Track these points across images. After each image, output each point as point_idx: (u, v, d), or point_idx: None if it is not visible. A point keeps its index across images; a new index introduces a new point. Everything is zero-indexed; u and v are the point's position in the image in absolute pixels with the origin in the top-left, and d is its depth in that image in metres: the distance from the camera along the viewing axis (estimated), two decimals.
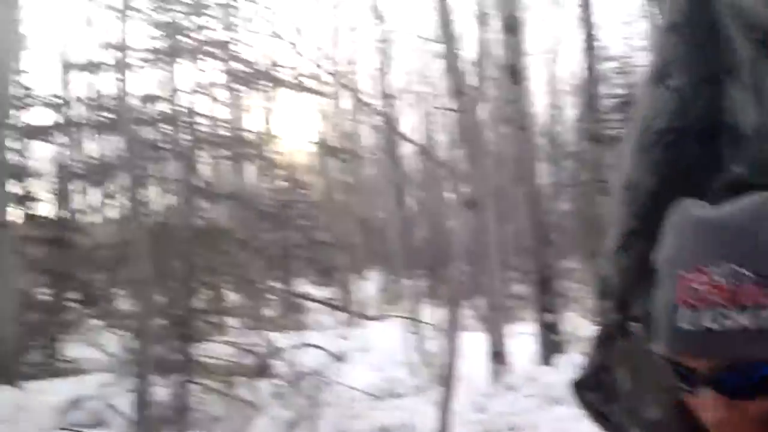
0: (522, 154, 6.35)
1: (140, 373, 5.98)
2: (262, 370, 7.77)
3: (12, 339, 7.25)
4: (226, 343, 7.92)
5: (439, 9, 6.24)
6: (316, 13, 24.57)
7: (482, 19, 7.36)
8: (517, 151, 6.37)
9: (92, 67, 12.55)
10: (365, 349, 9.88)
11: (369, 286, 16.29)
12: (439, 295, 13.17)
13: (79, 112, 14.23)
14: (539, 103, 21.89)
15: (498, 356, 6.24)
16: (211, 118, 9.55)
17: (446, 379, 5.11)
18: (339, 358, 9.31)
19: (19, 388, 7.07)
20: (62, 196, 10.72)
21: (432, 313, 9.71)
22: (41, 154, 13.02)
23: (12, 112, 8.43)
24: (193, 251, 7.14)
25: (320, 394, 7.01)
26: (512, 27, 6.46)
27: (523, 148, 6.37)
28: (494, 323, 6.35)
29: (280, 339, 9.48)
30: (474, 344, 6.77)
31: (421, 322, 8.81)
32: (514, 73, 6.38)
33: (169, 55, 8.91)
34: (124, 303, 11.02)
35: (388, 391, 7.61)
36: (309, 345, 9.17)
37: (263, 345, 8.16)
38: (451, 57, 6.25)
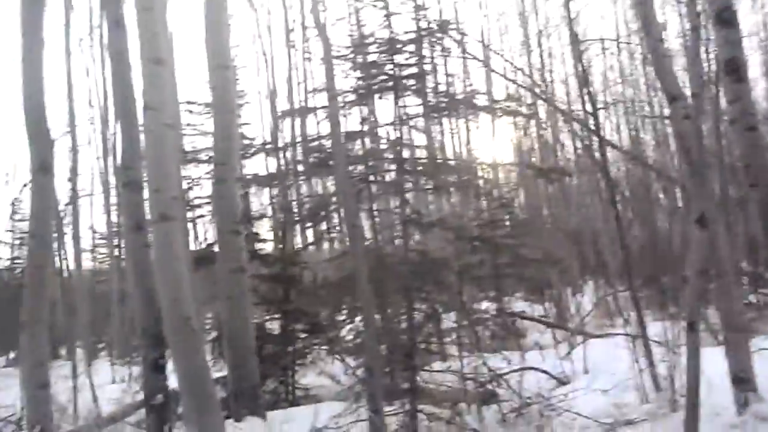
0: (751, 157, 5.77)
1: (372, 402, 6.19)
2: (487, 397, 7.73)
3: (254, 371, 7.85)
4: (448, 369, 8.00)
5: (640, 5, 5.89)
6: (506, 27, 24.35)
7: (691, 12, 6.83)
8: (746, 154, 5.79)
9: (303, 112, 13.56)
10: (588, 371, 9.48)
11: (584, 300, 15.69)
12: (664, 308, 12.38)
13: (293, 155, 15.33)
14: (759, 89, 20.01)
15: (743, 381, 5.67)
16: (415, 148, 9.82)
17: (689, 406, 4.72)
18: (562, 381, 9.04)
19: (263, 418, 7.62)
20: (284, 234, 11.48)
21: (658, 329, 9.10)
22: (263, 197, 14.21)
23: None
24: (411, 280, 7.32)
25: (547, 422, 6.83)
26: (728, 19, 5.94)
27: (753, 149, 5.79)
28: (736, 344, 5.79)
29: (500, 362, 9.41)
30: (711, 364, 6.23)
31: (648, 339, 8.26)
32: (734, 69, 5.84)
33: (372, 93, 9.30)
34: (348, 333, 11.58)
35: (619, 417, 7.20)
36: (530, 368, 9.01)
37: (484, 370, 8.13)
38: (659, 59, 5.85)
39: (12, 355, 18.67)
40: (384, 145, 9.87)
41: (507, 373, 8.35)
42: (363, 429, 6.86)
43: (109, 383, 13.55)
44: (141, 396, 9.57)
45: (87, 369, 11.85)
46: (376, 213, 9.62)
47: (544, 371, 9.25)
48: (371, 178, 9.58)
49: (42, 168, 6.35)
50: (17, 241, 21.76)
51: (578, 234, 18.09)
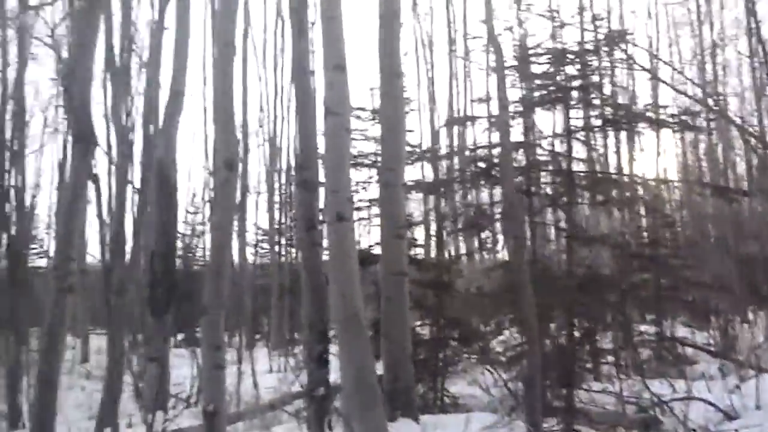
0: None
1: (530, 416, 6.13)
2: (648, 423, 7.40)
3: (409, 373, 8.00)
4: (606, 391, 7.74)
5: None
6: (676, 37, 23.22)
7: None
8: None
9: (465, 121, 13.68)
10: (761, 407, 8.80)
11: (756, 331, 14.56)
12: None
13: (450, 163, 15.43)
14: None
15: None
16: (582, 161, 9.59)
17: None
18: (730, 415, 8.45)
19: (416, 420, 7.73)
20: (440, 242, 11.61)
21: None
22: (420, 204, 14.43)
23: None
24: (574, 296, 7.17)
25: None
26: None
27: None
28: None
29: (661, 388, 8.95)
30: None
31: None
32: None
33: (539, 104, 9.20)
34: (498, 345, 11.50)
35: None
36: (695, 398, 8.50)
37: (646, 395, 7.79)
38: None
39: (180, 336, 20.11)
40: (545, 156, 9.73)
41: (670, 401, 7.94)
42: None
43: (266, 371, 14.27)
44: (297, 386, 10.05)
45: (249, 356, 12.57)
46: (536, 225, 9.47)
47: (710, 403, 8.69)
48: (532, 190, 9.47)
49: (228, 164, 6.80)
50: (188, 232, 23.50)
51: (750, 259, 16.83)
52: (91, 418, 9.33)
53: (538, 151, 9.93)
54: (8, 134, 13.57)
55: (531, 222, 9.42)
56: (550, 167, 9.60)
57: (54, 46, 13.54)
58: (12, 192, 13.05)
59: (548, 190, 9.64)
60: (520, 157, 10.13)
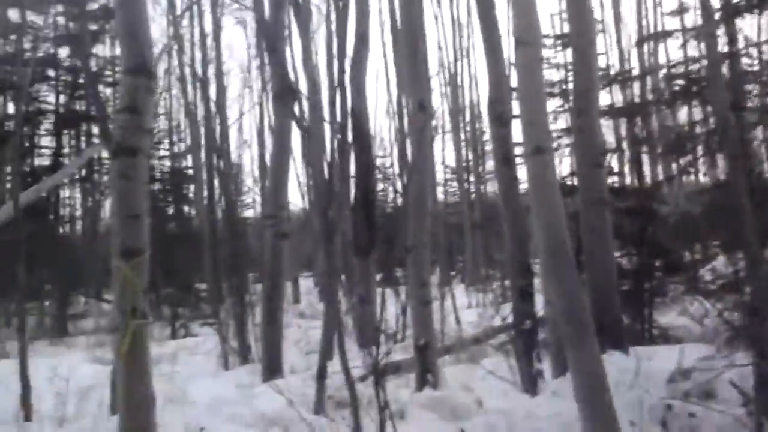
0: None
1: (757, 347, 5.76)
2: None
3: (616, 305, 7.78)
4: None
5: None
6: None
7: None
8: None
9: (659, 37, 12.73)
10: None
11: None
12: None
13: (645, 84, 14.51)
14: None
15: None
16: None
17: None
18: None
19: (626, 352, 7.55)
20: (640, 168, 11.06)
21: None
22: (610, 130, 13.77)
23: None
24: None
25: None
26: None
27: None
28: None
29: None
30: None
31: None
32: None
33: (747, 8, 8.38)
34: (707, 273, 10.86)
35: None
36: None
37: None
38: None
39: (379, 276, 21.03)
40: (755, 67, 8.89)
41: None
42: (736, 375, 6.44)
43: (465, 307, 14.60)
44: (497, 320, 10.20)
45: (450, 293, 12.90)
46: (749, 143, 8.74)
47: None
48: (743, 104, 8.72)
49: (420, 106, 6.95)
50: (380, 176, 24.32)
51: None
52: (308, 352, 10.10)
53: (746, 61, 9.12)
54: (212, 93, 14.83)
55: (743, 139, 8.72)
56: (763, 78, 8.79)
57: (252, 8, 14.43)
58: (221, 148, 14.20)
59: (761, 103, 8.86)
60: (725, 70, 9.36)
